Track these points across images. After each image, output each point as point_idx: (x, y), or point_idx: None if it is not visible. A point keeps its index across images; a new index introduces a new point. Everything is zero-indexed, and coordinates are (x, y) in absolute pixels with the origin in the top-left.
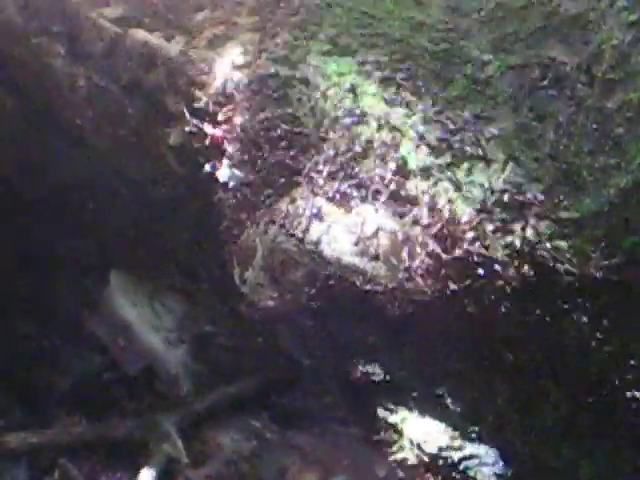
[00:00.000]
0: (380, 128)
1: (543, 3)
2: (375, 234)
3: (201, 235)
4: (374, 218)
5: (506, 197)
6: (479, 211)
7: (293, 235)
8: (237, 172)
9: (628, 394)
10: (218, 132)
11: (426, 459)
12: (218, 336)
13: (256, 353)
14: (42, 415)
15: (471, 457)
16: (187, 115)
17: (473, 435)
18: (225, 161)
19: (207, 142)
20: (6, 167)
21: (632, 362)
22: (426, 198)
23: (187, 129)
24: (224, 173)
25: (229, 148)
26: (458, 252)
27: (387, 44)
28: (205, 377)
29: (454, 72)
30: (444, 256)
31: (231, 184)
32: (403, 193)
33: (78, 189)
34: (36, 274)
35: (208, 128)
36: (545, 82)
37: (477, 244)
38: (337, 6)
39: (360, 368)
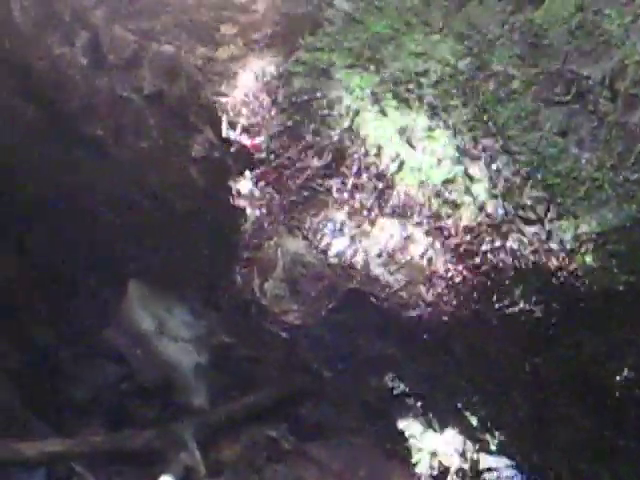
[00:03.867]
0: (402, 144)
1: (566, 18)
2: (398, 248)
3: (221, 246)
4: (398, 232)
5: (529, 212)
6: (502, 225)
7: (316, 248)
8: (260, 184)
9: None
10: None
11: (444, 472)
12: (236, 347)
13: (274, 364)
14: (60, 425)
15: (490, 470)
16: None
17: (492, 448)
18: (248, 173)
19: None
20: (27, 178)
21: None
22: (448, 211)
23: (215, 140)
24: (246, 185)
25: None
26: (480, 266)
27: (409, 57)
28: (223, 388)
29: (477, 86)
30: (466, 270)
31: (253, 196)
32: (426, 207)
33: (98, 200)
34: (54, 285)
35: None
36: (568, 97)
37: (500, 258)
38: (360, 22)
39: (380, 380)
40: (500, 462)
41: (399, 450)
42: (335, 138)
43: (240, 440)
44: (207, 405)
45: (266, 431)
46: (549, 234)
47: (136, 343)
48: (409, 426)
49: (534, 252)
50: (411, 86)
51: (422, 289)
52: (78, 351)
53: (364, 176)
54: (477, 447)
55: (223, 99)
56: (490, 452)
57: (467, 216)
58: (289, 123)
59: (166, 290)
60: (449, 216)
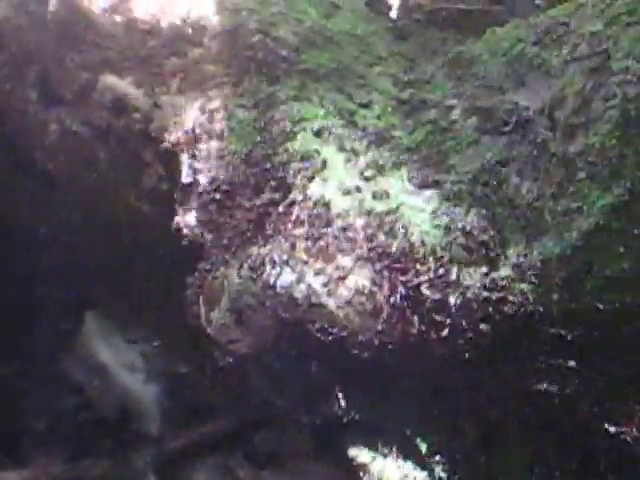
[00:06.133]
0: (347, 175)
1: (506, 49)
2: (344, 277)
3: (174, 277)
4: (343, 262)
5: (470, 241)
6: (444, 255)
7: (261, 278)
8: (207, 216)
9: (597, 432)
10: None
11: None
12: (192, 376)
13: (229, 393)
14: (17, 456)
15: None
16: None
17: (442, 475)
18: (195, 204)
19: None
20: None
21: (601, 398)
22: (392, 241)
23: (163, 172)
24: (194, 216)
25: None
26: (425, 295)
27: (352, 89)
28: (179, 417)
29: (419, 117)
30: (411, 299)
31: (201, 227)
32: (371, 237)
33: (54, 232)
34: (11, 317)
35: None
36: (508, 126)
37: (443, 287)
38: (303, 53)
39: (330, 407)
40: None
41: (351, 476)
42: (281, 170)
43: (197, 469)
44: (164, 434)
45: (223, 459)
46: (492, 263)
47: (93, 373)
48: (360, 453)
49: (476, 280)
50: (355, 118)
51: (368, 317)
52: (35, 381)
53: (309, 207)
54: (426, 473)
55: (171, 132)
56: (439, 478)
57: (410, 245)
58: (235, 156)
59: (122, 321)
60: (393, 246)
